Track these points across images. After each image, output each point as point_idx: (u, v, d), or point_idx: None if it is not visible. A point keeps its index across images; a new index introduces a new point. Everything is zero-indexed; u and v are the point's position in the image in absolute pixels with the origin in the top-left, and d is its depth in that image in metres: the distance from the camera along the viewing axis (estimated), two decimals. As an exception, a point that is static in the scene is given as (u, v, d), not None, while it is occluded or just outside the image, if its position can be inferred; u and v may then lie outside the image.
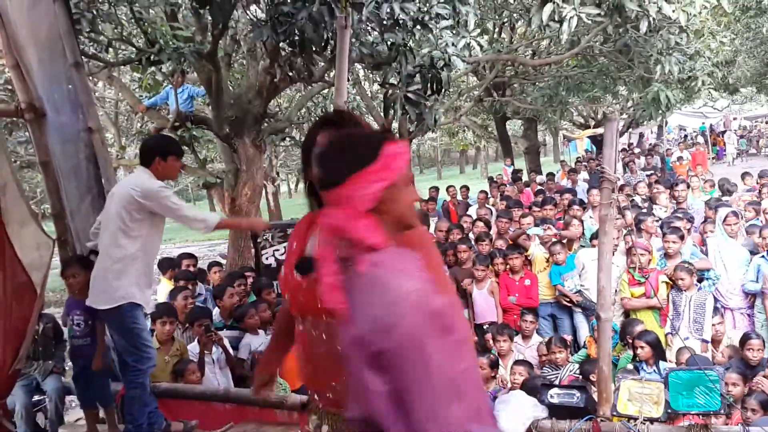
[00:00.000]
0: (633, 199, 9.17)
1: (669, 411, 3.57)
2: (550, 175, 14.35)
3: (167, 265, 6.96)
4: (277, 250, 7.42)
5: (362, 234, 1.57)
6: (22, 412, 5.09)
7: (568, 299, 6.31)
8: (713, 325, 5.65)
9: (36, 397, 5.41)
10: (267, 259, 7.41)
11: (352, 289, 1.55)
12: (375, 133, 1.75)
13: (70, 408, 5.85)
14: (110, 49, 7.32)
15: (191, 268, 6.92)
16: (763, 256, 6.03)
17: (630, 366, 5.13)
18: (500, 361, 5.41)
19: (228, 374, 5.44)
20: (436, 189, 12.70)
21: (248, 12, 6.48)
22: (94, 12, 6.20)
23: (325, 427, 2.01)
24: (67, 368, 5.38)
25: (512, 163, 18.03)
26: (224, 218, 4.24)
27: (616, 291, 5.84)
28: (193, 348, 5.36)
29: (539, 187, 11.99)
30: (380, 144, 1.64)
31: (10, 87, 9.43)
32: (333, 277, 1.57)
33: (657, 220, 7.04)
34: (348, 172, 1.61)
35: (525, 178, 14.46)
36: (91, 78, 9.36)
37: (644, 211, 7.32)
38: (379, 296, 1.51)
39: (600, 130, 20.16)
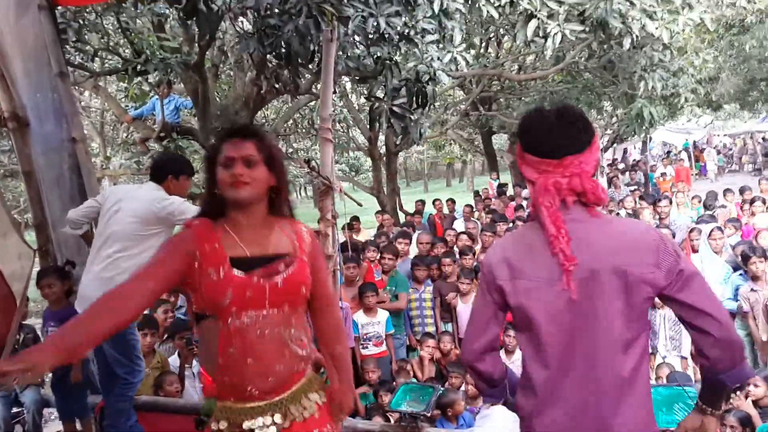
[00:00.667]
0: (618, 214, 9.24)
1: (649, 427, 3.58)
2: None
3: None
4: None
5: (600, 191, 1.86)
6: (0, 424, 5.03)
7: None
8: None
9: (14, 410, 5.35)
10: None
11: (589, 232, 1.84)
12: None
13: (48, 420, 5.78)
14: (96, 59, 7.31)
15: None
16: (741, 274, 6.07)
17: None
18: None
19: (209, 388, 5.41)
20: (423, 202, 12.74)
21: (235, 24, 6.49)
22: (81, 22, 6.19)
23: (276, 416, 2.10)
24: (46, 380, 5.32)
25: (498, 177, 18.11)
26: None
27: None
28: (174, 361, 5.33)
29: (518, 203, 12.07)
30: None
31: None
32: (563, 229, 1.81)
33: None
34: (587, 142, 1.89)
35: (510, 192, 14.53)
36: (76, 87, 9.34)
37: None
38: (627, 228, 1.89)
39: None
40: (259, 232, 2.15)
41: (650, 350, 5.67)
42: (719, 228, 6.96)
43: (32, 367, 1.70)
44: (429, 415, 3.66)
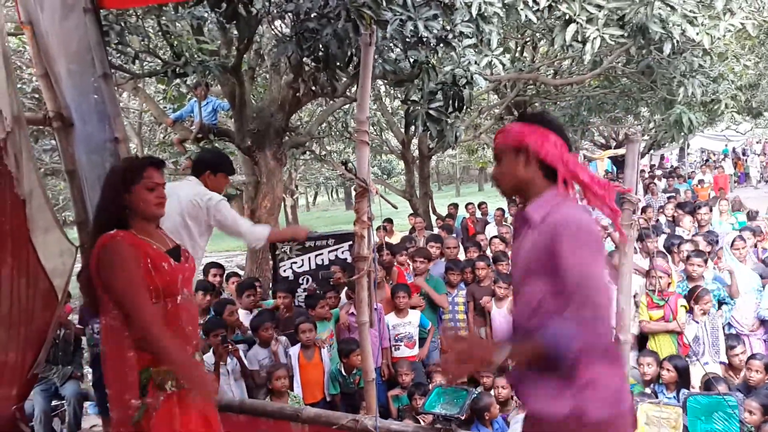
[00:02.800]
0: (657, 221, 9.12)
1: (687, 436, 3.53)
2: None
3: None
4: (295, 262, 7.48)
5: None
6: (40, 417, 5.15)
7: None
8: (735, 353, 5.59)
9: (54, 402, 5.47)
10: (285, 271, 7.47)
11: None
12: None
13: (86, 414, 5.90)
14: (136, 61, 7.43)
15: (218, 278, 7.01)
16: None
17: (648, 390, 5.08)
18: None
19: (242, 385, 5.48)
20: (456, 206, 12.70)
21: (273, 27, 6.56)
22: (123, 24, 6.30)
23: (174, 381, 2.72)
24: (87, 374, 5.44)
25: (532, 182, 17.99)
26: (273, 229, 4.35)
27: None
28: (209, 358, 5.40)
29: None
30: None
31: (36, 96, 9.61)
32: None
33: (678, 244, 6.99)
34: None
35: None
36: (116, 89, 9.50)
37: (672, 233, 7.27)
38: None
39: (621, 151, 20.05)
40: (159, 235, 2.81)
41: (692, 357, 5.60)
42: (741, 237, 6.85)
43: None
44: (463, 418, 3.65)
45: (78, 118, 4.35)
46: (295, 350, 5.69)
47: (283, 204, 15.46)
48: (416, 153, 15.27)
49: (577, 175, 2.13)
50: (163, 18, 6.81)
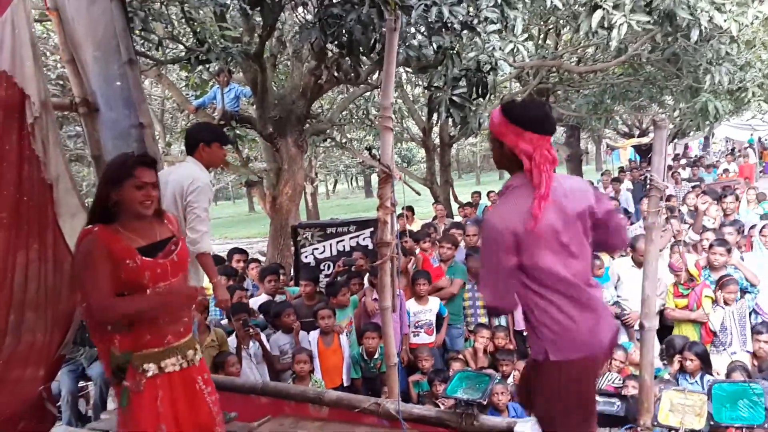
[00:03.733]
0: (679, 210, 9.01)
1: (711, 423, 3.50)
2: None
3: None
4: (317, 248, 7.51)
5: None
6: (67, 397, 5.23)
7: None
8: (760, 340, 5.53)
9: (81, 383, 5.56)
10: (306, 257, 7.50)
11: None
12: None
13: (112, 394, 5.99)
14: (160, 48, 7.47)
15: (241, 263, 7.07)
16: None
17: (667, 376, 5.06)
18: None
19: (264, 369, 5.53)
20: (479, 194, 12.66)
21: (296, 14, 6.55)
22: (147, 11, 6.33)
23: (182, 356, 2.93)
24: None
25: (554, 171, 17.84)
26: (207, 260, 4.25)
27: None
28: (231, 342, 5.46)
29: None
30: None
31: (60, 83, 9.71)
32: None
33: (703, 232, 6.92)
34: None
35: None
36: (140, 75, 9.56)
37: (697, 223, 7.19)
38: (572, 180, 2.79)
39: (645, 140, 19.84)
40: (147, 227, 2.90)
41: (721, 346, 5.55)
42: (770, 225, 6.80)
43: None
44: (485, 403, 3.66)
45: (103, 103, 4.40)
46: (314, 336, 5.72)
47: (303, 191, 15.52)
48: (437, 141, 15.21)
49: (540, 169, 2.49)
50: (187, 5, 6.84)
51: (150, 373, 2.82)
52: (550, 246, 2.51)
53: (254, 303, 6.24)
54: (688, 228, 7.11)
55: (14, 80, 3.55)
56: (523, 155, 2.51)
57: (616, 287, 6.23)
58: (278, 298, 6.52)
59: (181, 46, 7.88)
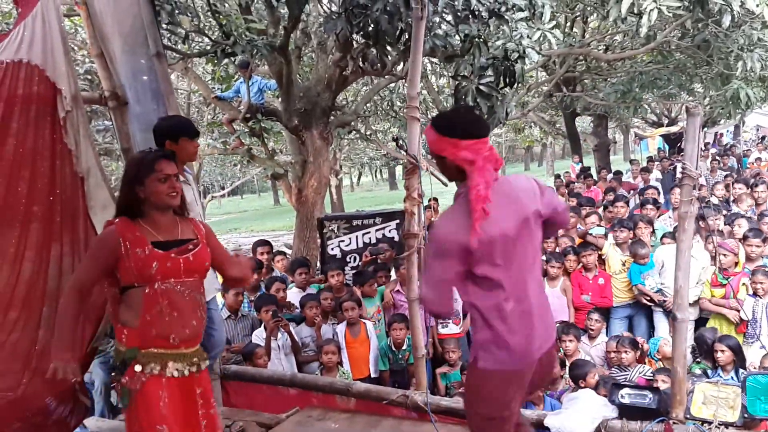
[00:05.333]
0: (709, 201, 8.85)
1: (746, 416, 3.45)
2: (618, 173, 13.99)
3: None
4: (343, 241, 7.52)
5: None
6: (101, 389, 5.30)
7: (649, 298, 6.11)
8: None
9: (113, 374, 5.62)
10: (332, 249, 7.52)
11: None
12: None
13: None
14: (186, 41, 7.50)
15: (265, 255, 7.09)
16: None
17: (698, 371, 4.98)
18: (566, 361, 5.33)
19: (292, 360, 5.57)
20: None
21: (321, 5, 6.53)
22: (173, 4, 6.35)
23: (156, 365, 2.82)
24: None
25: (581, 161, 17.65)
26: None
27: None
28: (260, 333, 5.49)
29: (608, 185, 11.71)
30: None
31: (89, 77, 9.80)
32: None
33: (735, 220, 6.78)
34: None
35: (594, 175, 14.12)
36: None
37: (733, 212, 7.06)
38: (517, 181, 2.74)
39: (673, 129, 19.53)
40: (170, 225, 2.92)
41: (751, 339, 5.45)
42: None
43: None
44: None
45: (132, 96, 4.43)
46: (341, 328, 5.74)
47: (328, 184, 15.55)
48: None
49: (483, 171, 2.47)
50: (213, -3, 6.85)
51: (153, 372, 2.81)
52: (493, 254, 2.49)
53: (292, 296, 6.26)
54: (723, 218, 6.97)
55: (46, 74, 3.60)
56: (465, 164, 2.49)
57: (660, 274, 6.14)
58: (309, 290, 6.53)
59: (207, 39, 7.91)
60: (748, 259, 5.93)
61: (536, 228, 2.62)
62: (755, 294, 5.56)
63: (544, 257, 6.61)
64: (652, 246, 6.62)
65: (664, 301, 5.99)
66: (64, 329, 2.90)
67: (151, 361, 2.81)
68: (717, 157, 15.11)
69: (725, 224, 6.77)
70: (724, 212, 7.33)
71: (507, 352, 2.55)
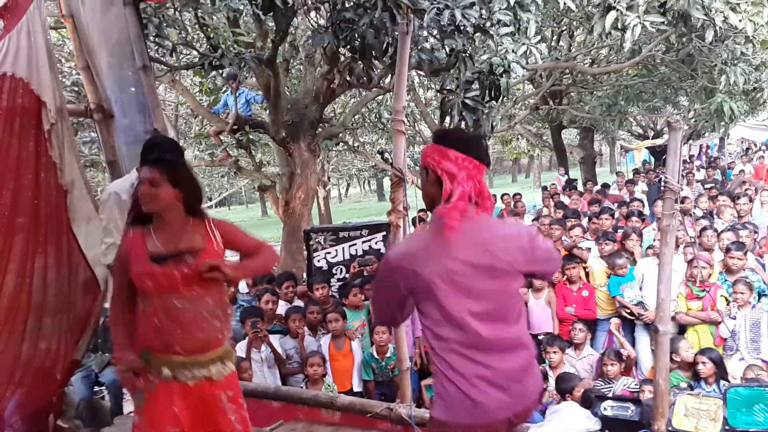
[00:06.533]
0: (693, 213, 8.92)
1: (727, 428, 3.48)
2: (604, 186, 14.10)
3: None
4: (329, 253, 7.51)
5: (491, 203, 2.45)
6: (81, 405, 5.24)
7: (629, 311, 6.15)
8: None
9: (95, 389, 5.58)
10: (319, 261, 7.50)
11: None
12: None
13: (124, 400, 6.03)
14: (174, 54, 7.51)
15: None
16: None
17: (684, 384, 5.01)
18: (550, 373, 5.35)
19: (276, 373, 5.54)
20: (495, 197, 12.62)
21: (309, 18, 6.57)
22: (161, 17, 6.37)
23: (200, 370, 2.82)
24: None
25: (566, 173, 17.77)
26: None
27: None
28: (243, 345, 5.48)
29: (592, 197, 11.79)
30: None
31: (75, 89, 9.78)
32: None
33: (718, 234, 6.83)
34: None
35: (579, 188, 14.22)
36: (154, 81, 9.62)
37: (707, 224, 7.12)
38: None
39: (659, 141, 19.70)
40: (175, 232, 2.82)
41: (731, 351, 5.48)
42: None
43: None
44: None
45: (118, 109, 4.43)
46: (326, 340, 5.73)
47: (316, 195, 15.55)
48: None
49: (464, 189, 2.25)
50: (200, 11, 6.87)
51: (166, 376, 2.80)
52: (455, 295, 2.21)
53: (279, 309, 6.24)
54: (701, 230, 7.03)
55: (31, 87, 3.60)
56: (445, 175, 2.26)
57: (641, 288, 6.18)
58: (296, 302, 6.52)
59: (194, 52, 7.93)
60: (729, 271, 5.97)
61: (510, 280, 2.29)
62: (735, 304, 5.60)
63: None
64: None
65: (641, 315, 6.02)
66: (117, 335, 2.92)
67: (164, 364, 2.80)
68: (693, 170, 15.26)
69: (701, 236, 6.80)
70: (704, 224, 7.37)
71: (459, 400, 2.24)
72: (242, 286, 7.12)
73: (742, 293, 5.52)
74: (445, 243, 2.21)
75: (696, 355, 4.96)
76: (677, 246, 6.14)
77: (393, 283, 2.33)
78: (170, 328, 2.77)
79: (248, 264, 3.06)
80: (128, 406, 5.74)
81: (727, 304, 5.68)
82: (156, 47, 7.24)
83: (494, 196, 10.96)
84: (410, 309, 2.43)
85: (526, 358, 2.34)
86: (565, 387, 4.86)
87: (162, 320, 2.77)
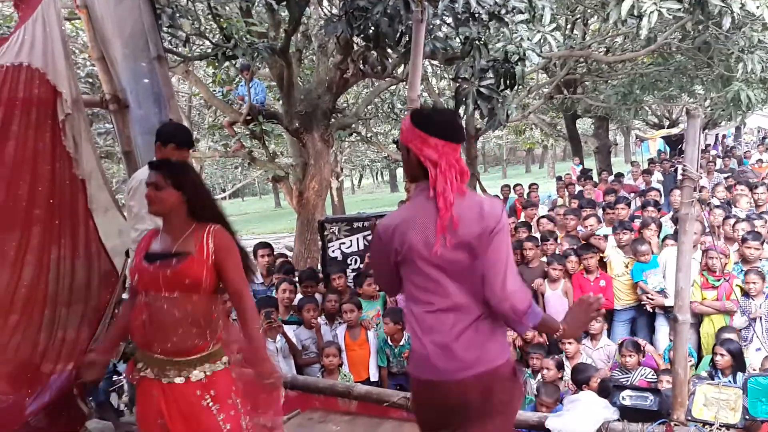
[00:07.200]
0: (709, 203, 8.83)
1: (747, 418, 3.44)
2: (619, 175, 13.98)
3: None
4: (343, 243, 7.50)
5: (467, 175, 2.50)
6: (101, 394, 5.29)
7: (649, 298, 6.08)
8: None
9: (115, 378, 5.63)
10: (333, 251, 7.50)
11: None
12: None
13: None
14: (187, 44, 7.52)
15: (266, 258, 7.04)
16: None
17: (704, 373, 4.97)
18: (567, 363, 5.32)
19: (291, 363, 5.55)
20: (508, 187, 12.58)
21: (322, 7, 6.54)
22: (174, 7, 6.37)
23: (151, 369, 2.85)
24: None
25: (581, 162, 17.65)
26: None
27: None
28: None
29: (607, 187, 11.69)
30: None
31: (90, 80, 9.82)
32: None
33: (733, 223, 6.76)
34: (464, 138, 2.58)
35: (594, 177, 14.12)
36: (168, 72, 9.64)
37: (725, 213, 7.04)
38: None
39: (674, 131, 19.52)
40: (173, 235, 2.87)
41: (746, 341, 5.43)
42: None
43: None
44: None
45: (133, 100, 4.44)
46: (341, 330, 5.74)
47: (329, 186, 15.56)
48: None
49: (445, 176, 2.37)
50: (213, 1, 6.87)
51: (148, 373, 2.86)
52: (427, 265, 2.39)
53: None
54: (723, 219, 6.95)
55: (47, 77, 3.60)
56: (428, 162, 2.38)
57: (664, 276, 6.12)
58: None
59: (207, 43, 7.93)
60: (745, 261, 5.91)
61: (479, 252, 2.38)
62: (749, 295, 5.55)
63: (544, 258, 6.61)
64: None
65: (653, 300, 5.98)
66: (108, 331, 3.14)
67: (145, 360, 2.87)
68: (712, 159, 15.09)
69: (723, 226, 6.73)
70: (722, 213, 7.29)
71: (415, 360, 2.51)
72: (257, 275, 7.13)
73: (754, 283, 5.46)
74: (426, 216, 2.38)
75: (715, 346, 4.91)
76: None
77: (382, 251, 2.52)
78: (151, 327, 2.81)
79: (254, 348, 2.98)
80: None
81: (744, 295, 5.63)
82: (169, 38, 7.24)
83: (507, 186, 10.94)
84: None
85: (484, 329, 2.45)
86: (581, 378, 4.84)
87: (145, 318, 2.82)
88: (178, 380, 2.82)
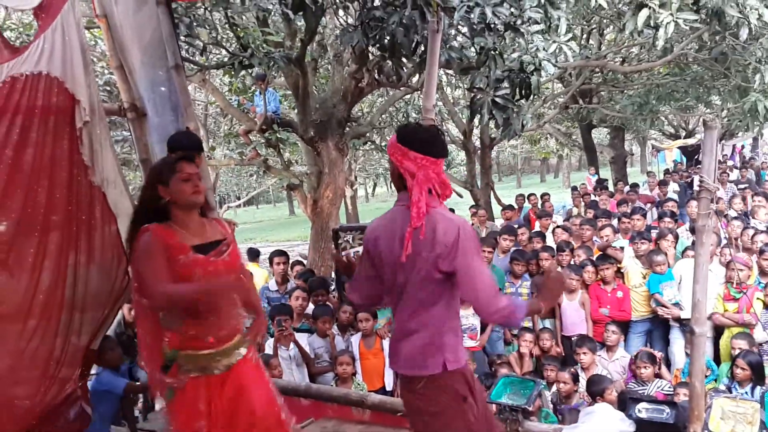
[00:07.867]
0: (726, 215, 8.76)
1: (764, 432, 3.40)
2: (635, 186, 13.90)
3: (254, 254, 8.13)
4: (357, 251, 7.50)
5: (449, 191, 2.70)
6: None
7: (665, 310, 6.03)
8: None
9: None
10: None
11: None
12: None
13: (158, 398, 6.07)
14: (204, 53, 7.58)
15: (281, 266, 7.07)
16: None
17: (722, 386, 4.91)
18: (582, 374, 5.29)
19: (304, 371, 5.55)
20: (523, 197, 12.55)
21: (338, 17, 6.57)
22: (192, 16, 6.43)
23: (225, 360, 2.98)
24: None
25: (597, 172, 17.58)
26: None
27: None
28: (271, 343, 5.50)
29: (622, 197, 11.62)
30: None
31: (108, 89, 9.93)
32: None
33: (752, 235, 6.69)
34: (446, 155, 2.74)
35: (610, 188, 14.03)
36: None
37: (743, 225, 6.98)
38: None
39: (691, 141, 19.39)
40: (198, 227, 2.98)
41: (766, 355, 5.36)
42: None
43: None
44: (530, 409, 3.61)
45: (151, 108, 4.46)
46: (356, 339, 5.73)
47: (343, 194, 15.59)
48: (478, 143, 15.13)
49: (420, 188, 2.54)
50: (230, 10, 6.92)
51: (193, 373, 2.92)
52: (393, 269, 2.63)
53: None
54: (742, 231, 6.89)
55: (65, 85, 3.63)
56: (406, 174, 2.59)
57: (679, 288, 6.07)
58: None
59: (224, 52, 7.99)
60: (764, 273, 5.85)
61: (430, 269, 2.56)
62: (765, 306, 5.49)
63: (560, 268, 6.58)
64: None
65: (669, 312, 5.93)
66: (198, 286, 2.94)
67: (189, 362, 2.91)
68: (727, 170, 14.96)
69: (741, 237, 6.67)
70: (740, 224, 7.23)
71: (391, 352, 2.82)
72: (271, 283, 7.15)
73: None
74: (400, 224, 2.59)
75: (736, 358, 4.85)
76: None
77: (366, 256, 2.77)
78: (208, 318, 2.90)
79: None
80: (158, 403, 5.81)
81: (765, 308, 5.57)
82: (187, 47, 7.31)
83: (522, 196, 10.95)
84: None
85: (423, 336, 2.66)
86: (596, 389, 4.80)
87: (203, 310, 2.88)
88: (226, 368, 2.96)
